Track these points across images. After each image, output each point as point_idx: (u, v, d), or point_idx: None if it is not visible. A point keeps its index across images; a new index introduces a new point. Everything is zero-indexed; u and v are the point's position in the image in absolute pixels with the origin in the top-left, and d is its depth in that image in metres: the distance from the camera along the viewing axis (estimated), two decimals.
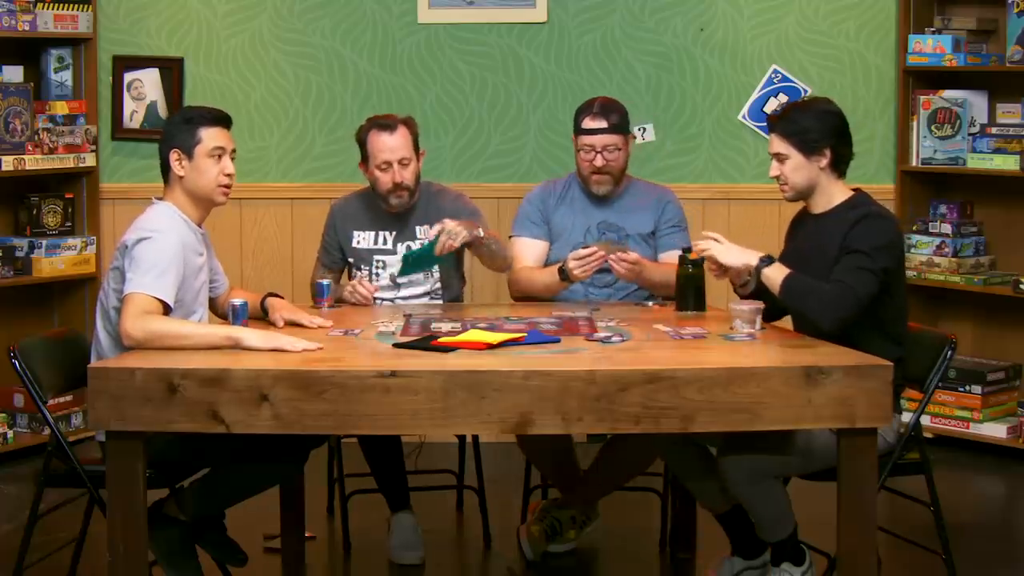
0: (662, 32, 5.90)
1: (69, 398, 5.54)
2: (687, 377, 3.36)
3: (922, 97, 5.79)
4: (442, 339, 3.71)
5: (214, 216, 4.13)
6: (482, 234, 4.37)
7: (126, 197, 5.84)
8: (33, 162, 5.63)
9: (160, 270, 3.68)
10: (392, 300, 4.56)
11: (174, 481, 3.86)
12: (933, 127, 5.78)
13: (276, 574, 4.39)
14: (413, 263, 4.45)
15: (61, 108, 5.80)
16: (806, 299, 3.76)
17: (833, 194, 3.90)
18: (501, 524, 4.68)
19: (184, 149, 3.85)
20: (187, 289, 3.80)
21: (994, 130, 5.66)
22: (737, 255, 3.91)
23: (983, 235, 5.86)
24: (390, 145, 4.49)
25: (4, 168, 5.54)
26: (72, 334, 4.20)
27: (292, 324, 3.96)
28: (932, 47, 5.72)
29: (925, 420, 4.41)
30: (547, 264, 4.57)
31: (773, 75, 5.88)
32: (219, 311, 4.10)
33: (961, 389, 5.70)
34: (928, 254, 5.81)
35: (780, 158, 3.90)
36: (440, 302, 4.60)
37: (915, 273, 5.81)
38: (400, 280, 4.55)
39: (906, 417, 3.99)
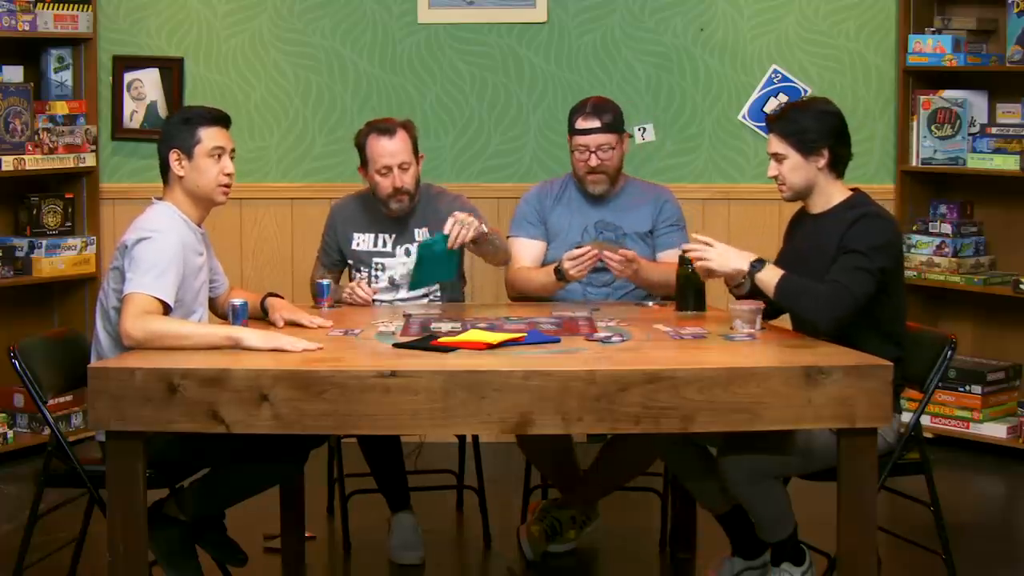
0: (662, 32, 5.90)
1: (69, 398, 5.54)
2: (687, 377, 3.36)
3: (922, 97, 5.79)
4: (442, 339, 3.71)
5: (214, 216, 4.13)
6: (486, 229, 4.36)
7: (126, 197, 5.84)
8: (33, 162, 5.63)
9: (160, 270, 3.68)
10: (391, 302, 4.56)
11: (174, 481, 3.86)
12: (933, 127, 5.78)
13: (276, 574, 4.39)
14: (427, 269, 4.34)
15: (61, 108, 5.80)
16: (801, 300, 3.76)
17: (831, 194, 3.90)
18: (501, 524, 4.68)
19: (184, 149, 3.85)
20: (187, 289, 3.80)
21: (994, 130, 5.66)
22: (728, 262, 3.89)
23: (983, 235, 5.86)
24: (390, 150, 4.48)
25: (4, 168, 5.54)
26: (72, 334, 4.20)
27: (292, 324, 3.96)
28: (932, 47, 5.72)
29: (925, 420, 4.40)
30: (544, 264, 4.57)
31: (773, 75, 5.88)
32: (219, 311, 4.10)
33: (961, 389, 5.70)
34: (928, 254, 5.81)
35: (778, 158, 3.90)
36: (439, 302, 4.60)
37: (915, 273, 5.82)
38: (411, 291, 4.50)
39: (906, 417, 3.99)
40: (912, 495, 3.98)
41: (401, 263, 4.59)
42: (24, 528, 3.84)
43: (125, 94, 5.98)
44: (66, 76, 5.88)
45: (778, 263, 4.03)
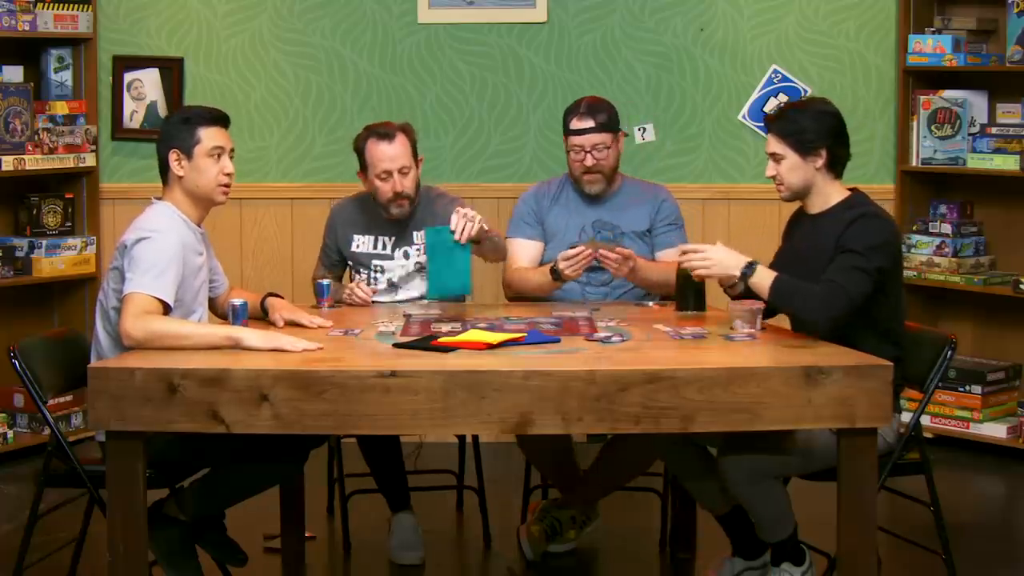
0: (662, 32, 5.90)
1: (69, 398, 5.54)
2: (687, 377, 3.36)
3: (922, 97, 5.79)
4: (442, 339, 3.71)
5: (214, 216, 4.13)
6: (486, 227, 4.34)
7: (126, 197, 5.84)
8: (33, 162, 5.63)
9: (160, 270, 3.68)
10: (391, 303, 4.55)
11: (174, 481, 3.86)
12: (933, 127, 5.78)
13: (276, 574, 4.39)
14: (441, 262, 4.16)
15: (61, 108, 5.80)
16: (796, 301, 3.76)
17: (829, 194, 3.90)
18: (501, 524, 4.67)
19: (183, 149, 3.85)
20: (187, 289, 3.80)
21: (994, 130, 5.66)
22: (720, 268, 3.89)
23: (983, 235, 5.86)
24: (389, 154, 4.47)
25: (4, 168, 5.54)
26: (72, 334, 4.20)
27: (292, 324, 3.96)
28: (932, 47, 5.72)
29: (925, 420, 4.40)
30: (542, 264, 4.57)
31: (773, 75, 5.88)
32: (219, 311, 4.10)
33: (961, 389, 5.70)
34: (928, 254, 5.81)
35: (776, 158, 3.90)
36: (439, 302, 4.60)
37: (915, 273, 5.82)
38: (430, 297, 4.44)
39: (906, 417, 3.99)
40: (912, 495, 3.98)
41: (400, 265, 4.59)
42: (24, 528, 3.84)
43: (125, 94, 5.98)
44: (66, 76, 5.88)
45: (776, 262, 4.03)
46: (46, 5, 5.70)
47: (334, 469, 4.75)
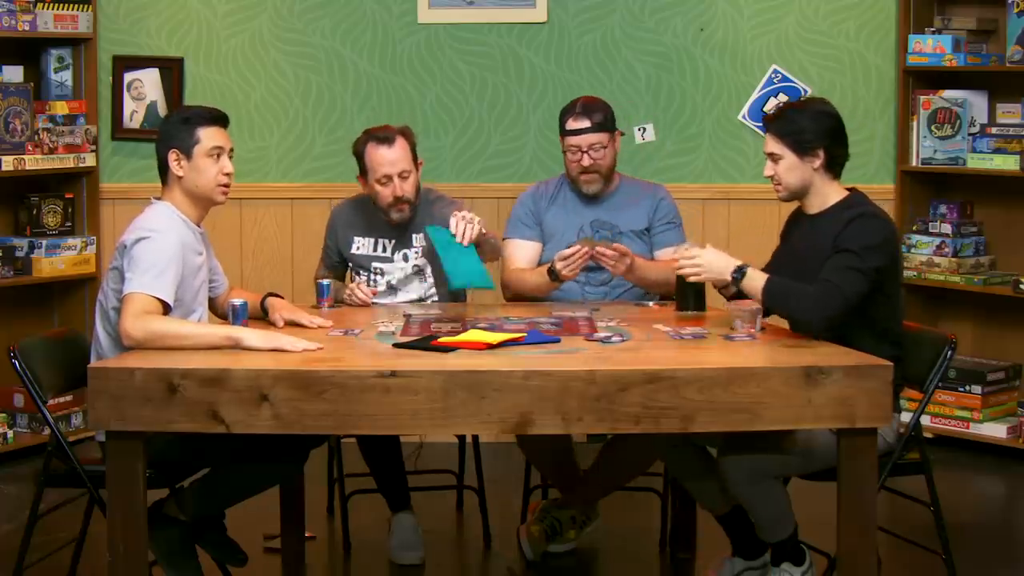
0: (662, 32, 5.90)
1: (69, 398, 5.54)
2: (687, 377, 3.36)
3: (922, 97, 5.79)
4: (442, 339, 3.71)
5: (214, 216, 4.13)
6: (484, 230, 4.33)
7: (126, 197, 5.84)
8: (33, 162, 5.63)
9: (159, 270, 3.68)
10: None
11: (174, 481, 3.86)
12: (933, 127, 5.78)
13: (276, 574, 4.39)
14: (452, 258, 4.13)
15: (61, 108, 5.80)
16: (790, 302, 3.76)
17: (828, 195, 3.90)
18: (501, 524, 4.68)
19: (183, 149, 3.85)
20: (186, 288, 3.80)
21: (994, 130, 5.66)
22: (711, 272, 3.89)
23: (983, 235, 5.86)
24: (389, 159, 4.46)
25: (4, 168, 5.54)
26: (72, 334, 4.20)
27: (292, 324, 3.96)
28: (932, 47, 5.72)
29: (925, 420, 4.40)
30: (540, 265, 4.57)
31: (773, 75, 5.88)
32: (219, 311, 4.10)
33: (961, 389, 5.70)
34: (928, 254, 5.81)
35: (774, 158, 3.90)
36: (439, 302, 4.60)
37: (915, 273, 5.82)
38: (452, 289, 4.41)
39: (906, 417, 3.99)
40: (912, 495, 3.98)
41: (399, 268, 4.59)
42: (24, 528, 3.84)
43: (125, 94, 5.98)
44: (66, 76, 5.88)
45: (774, 262, 4.04)
46: (46, 5, 5.70)
47: (334, 469, 4.75)
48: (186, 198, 3.88)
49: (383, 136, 4.48)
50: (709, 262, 3.89)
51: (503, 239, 4.68)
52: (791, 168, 3.88)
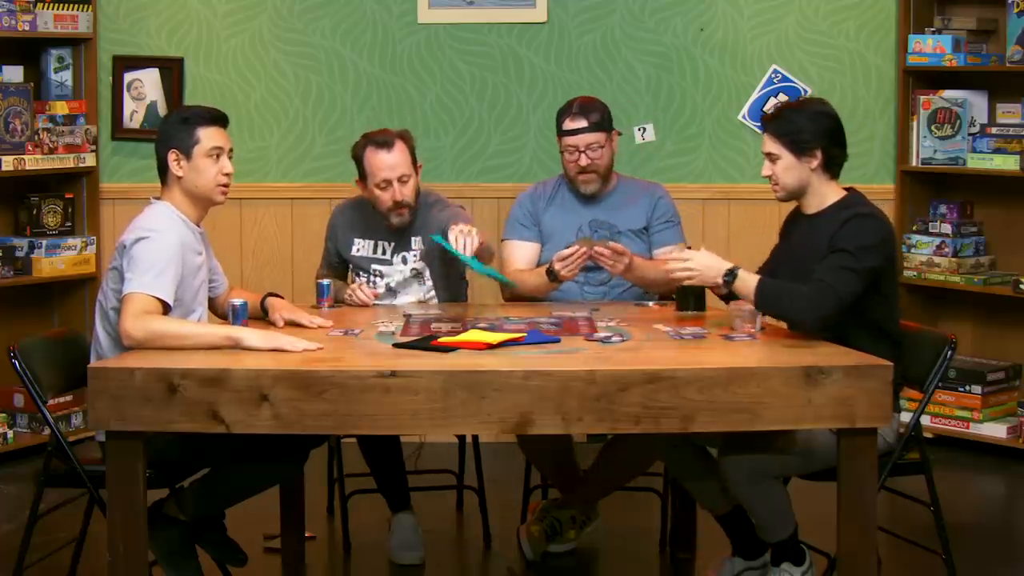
0: (662, 32, 5.90)
1: (69, 398, 5.54)
2: (687, 377, 3.36)
3: (922, 97, 5.79)
4: (442, 339, 3.71)
5: (214, 216, 4.13)
6: (481, 241, 4.28)
7: (126, 197, 5.84)
8: (33, 162, 5.63)
9: (159, 269, 3.68)
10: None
11: (174, 481, 3.86)
12: (933, 127, 5.78)
13: (276, 574, 4.39)
14: (466, 260, 4.14)
15: (61, 108, 5.80)
16: (784, 303, 3.75)
17: (825, 195, 3.90)
18: (501, 524, 4.68)
19: (182, 149, 3.85)
20: (186, 288, 3.80)
21: (994, 130, 5.66)
22: (703, 275, 3.89)
23: (983, 235, 5.86)
24: (389, 163, 4.44)
25: (4, 168, 5.54)
26: (72, 334, 4.20)
27: (292, 324, 3.96)
28: (932, 47, 5.72)
29: (925, 420, 4.40)
30: (539, 265, 4.57)
31: (773, 75, 5.88)
32: (219, 311, 4.10)
33: (961, 389, 5.70)
34: (928, 254, 5.81)
35: (772, 158, 3.90)
36: (439, 302, 4.60)
37: (915, 273, 5.82)
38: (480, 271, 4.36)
39: (906, 417, 3.99)
40: (912, 495, 3.98)
41: (398, 271, 4.58)
42: (24, 528, 3.84)
43: (125, 94, 5.98)
44: (66, 76, 5.88)
45: (772, 260, 4.04)
46: (46, 5, 5.70)
47: (334, 469, 4.75)
48: (186, 198, 3.88)
49: (382, 140, 4.47)
50: (700, 265, 3.88)
51: (501, 240, 4.69)
52: (788, 168, 3.87)
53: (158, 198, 3.91)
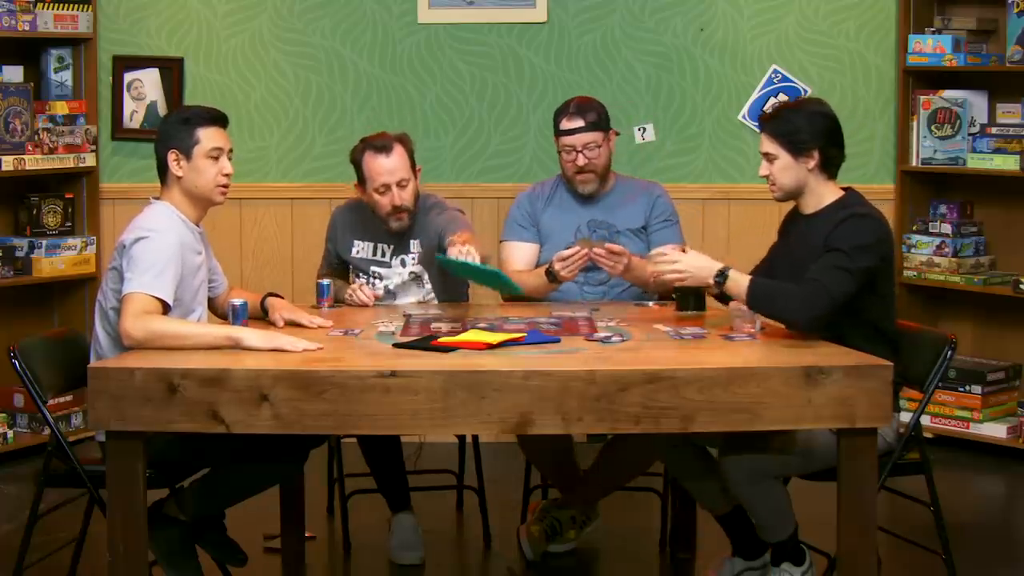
0: (662, 32, 5.90)
1: (69, 398, 5.54)
2: (687, 377, 3.36)
3: (922, 97, 5.79)
4: (442, 339, 3.71)
5: (214, 216, 4.13)
6: (479, 257, 4.23)
7: (126, 197, 5.84)
8: (33, 162, 5.63)
9: (158, 269, 3.68)
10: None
11: (174, 481, 3.86)
12: (933, 127, 5.78)
13: (276, 574, 4.39)
14: (477, 273, 4.11)
15: (61, 108, 5.80)
16: (776, 303, 3.75)
17: (823, 195, 3.89)
18: (501, 524, 4.68)
19: (182, 150, 3.85)
20: (186, 288, 3.80)
21: (994, 130, 5.66)
22: (693, 276, 3.88)
23: (983, 235, 5.86)
24: (388, 168, 4.43)
25: (4, 168, 5.54)
26: (72, 334, 4.20)
27: (292, 324, 3.96)
28: (932, 47, 5.72)
29: (925, 420, 4.40)
30: (538, 266, 4.57)
31: (773, 75, 5.88)
32: (219, 311, 4.10)
33: (961, 389, 5.70)
34: (928, 254, 5.81)
35: (769, 158, 3.90)
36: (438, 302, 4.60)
37: (915, 273, 5.82)
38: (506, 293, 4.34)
39: (906, 417, 3.99)
40: (912, 495, 3.98)
41: (397, 273, 4.58)
42: (24, 528, 3.84)
43: (125, 94, 5.98)
44: (66, 76, 5.88)
45: (769, 258, 4.04)
46: (46, 5, 5.70)
47: (334, 469, 4.75)
48: (185, 198, 3.88)
49: (380, 145, 4.45)
50: (690, 266, 3.88)
51: (500, 241, 4.69)
52: (786, 168, 3.87)
53: (157, 198, 3.91)
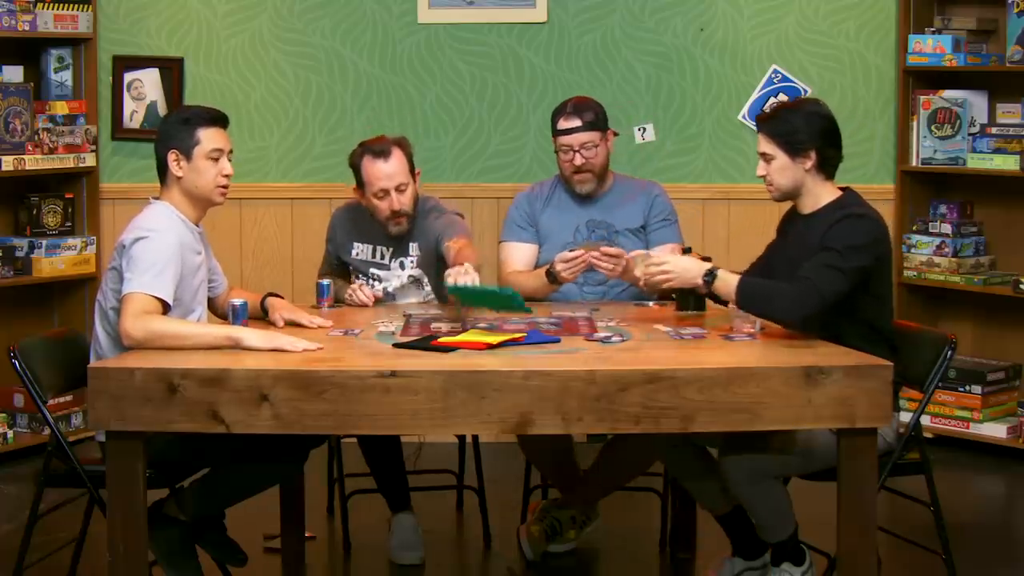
0: (662, 32, 5.90)
1: (69, 398, 5.54)
2: (687, 377, 3.36)
3: (922, 97, 5.79)
4: (442, 339, 3.71)
5: (214, 216, 4.13)
6: (476, 275, 4.18)
7: (126, 197, 5.84)
8: (33, 162, 5.63)
9: (158, 269, 3.68)
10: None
11: (174, 481, 3.86)
12: (933, 127, 5.78)
13: (276, 574, 4.39)
14: (487, 295, 4.06)
15: (61, 108, 5.80)
16: (765, 301, 3.74)
17: (820, 195, 3.89)
18: (501, 524, 4.68)
19: (182, 150, 3.85)
20: (185, 288, 3.80)
21: (994, 130, 5.66)
22: (681, 278, 3.88)
23: (983, 235, 5.86)
24: (386, 172, 4.42)
25: (4, 168, 5.54)
26: (72, 334, 4.20)
27: (292, 324, 3.96)
28: (932, 47, 5.72)
29: (925, 420, 4.40)
30: (537, 266, 4.57)
31: (773, 75, 5.88)
32: (219, 311, 4.09)
33: (961, 389, 5.70)
34: (928, 254, 5.81)
35: (766, 158, 3.90)
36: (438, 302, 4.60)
37: (915, 273, 5.82)
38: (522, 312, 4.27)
39: (906, 417, 3.99)
40: (912, 495, 3.98)
41: (396, 276, 4.58)
42: (24, 528, 3.84)
43: (125, 94, 5.98)
44: (66, 76, 5.88)
45: (766, 255, 4.04)
46: (46, 5, 5.70)
47: (334, 469, 4.75)
48: (185, 198, 3.88)
49: (379, 150, 4.44)
50: (678, 267, 3.88)
51: (499, 242, 4.69)
52: (782, 168, 3.87)
53: (157, 198, 3.91)
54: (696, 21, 5.90)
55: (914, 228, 5.87)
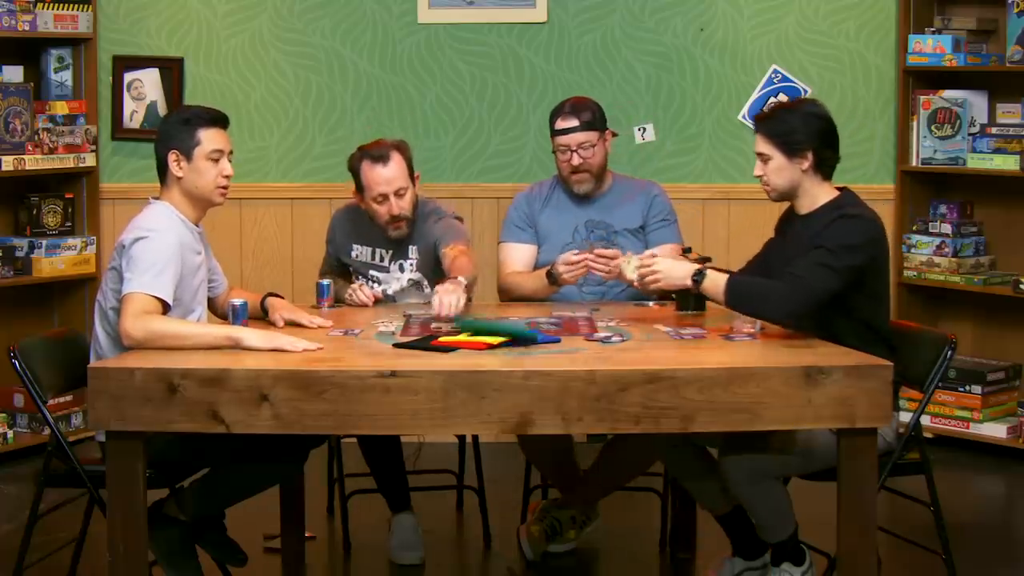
0: (662, 32, 5.90)
1: (69, 398, 5.54)
2: (687, 377, 3.36)
3: (922, 97, 5.79)
4: (442, 339, 3.71)
5: (214, 216, 4.13)
6: (464, 282, 4.19)
7: (126, 197, 5.84)
8: (33, 162, 5.63)
9: (158, 269, 3.68)
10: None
11: (174, 481, 3.86)
12: (933, 127, 5.78)
13: (276, 574, 4.39)
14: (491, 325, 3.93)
15: (61, 108, 5.80)
16: (754, 299, 3.75)
17: (817, 195, 3.89)
18: (501, 524, 4.68)
19: (182, 150, 3.85)
20: (185, 288, 3.80)
21: (994, 130, 5.66)
22: (669, 280, 3.89)
23: (983, 235, 5.86)
24: (385, 177, 4.41)
25: (4, 168, 5.54)
26: (72, 334, 4.20)
27: (292, 324, 3.96)
28: (932, 47, 5.72)
29: (925, 420, 4.40)
30: (537, 266, 4.57)
31: (773, 75, 5.88)
32: (219, 311, 4.09)
33: (961, 389, 5.70)
34: (928, 254, 5.81)
35: (763, 158, 3.90)
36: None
37: (915, 273, 5.82)
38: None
39: (905, 417, 3.99)
40: (912, 495, 3.98)
41: (395, 279, 4.57)
42: (24, 528, 3.84)
43: (125, 94, 5.98)
44: (66, 76, 5.88)
45: (764, 252, 4.04)
46: (46, 5, 5.70)
47: (334, 469, 4.75)
48: (185, 198, 3.88)
49: (378, 154, 4.43)
50: (667, 269, 3.89)
51: (498, 243, 4.69)
52: (780, 169, 3.87)
53: (157, 198, 3.91)
54: (696, 21, 5.90)
55: (914, 228, 5.87)
